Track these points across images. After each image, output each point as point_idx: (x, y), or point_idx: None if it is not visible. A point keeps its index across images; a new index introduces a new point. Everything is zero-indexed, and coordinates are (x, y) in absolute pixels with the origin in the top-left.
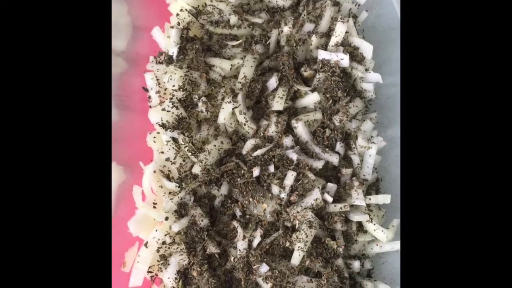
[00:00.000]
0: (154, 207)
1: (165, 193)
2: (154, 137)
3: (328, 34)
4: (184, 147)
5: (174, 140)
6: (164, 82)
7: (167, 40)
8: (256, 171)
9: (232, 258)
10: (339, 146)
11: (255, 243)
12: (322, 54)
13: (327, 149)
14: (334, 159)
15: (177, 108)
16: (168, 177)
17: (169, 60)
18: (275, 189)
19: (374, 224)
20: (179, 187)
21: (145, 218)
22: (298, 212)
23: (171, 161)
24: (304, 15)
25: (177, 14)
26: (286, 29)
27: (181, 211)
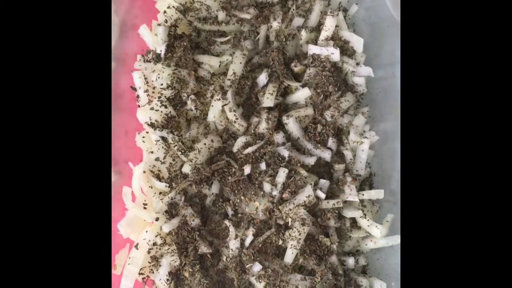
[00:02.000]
0: (145, 208)
1: (155, 193)
2: (143, 137)
3: (318, 29)
4: (174, 146)
5: (164, 139)
6: (152, 81)
7: (154, 38)
8: (247, 169)
9: (224, 258)
10: (331, 142)
11: (248, 242)
12: (312, 49)
13: (319, 145)
14: (326, 155)
15: (165, 107)
16: (158, 177)
17: (157, 58)
18: (267, 186)
19: (368, 220)
20: (169, 187)
21: (136, 220)
22: (290, 209)
23: (160, 161)
24: (293, 9)
25: (164, 12)
26: (275, 24)
27: (171, 211)
